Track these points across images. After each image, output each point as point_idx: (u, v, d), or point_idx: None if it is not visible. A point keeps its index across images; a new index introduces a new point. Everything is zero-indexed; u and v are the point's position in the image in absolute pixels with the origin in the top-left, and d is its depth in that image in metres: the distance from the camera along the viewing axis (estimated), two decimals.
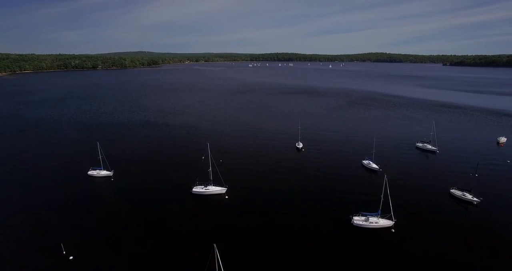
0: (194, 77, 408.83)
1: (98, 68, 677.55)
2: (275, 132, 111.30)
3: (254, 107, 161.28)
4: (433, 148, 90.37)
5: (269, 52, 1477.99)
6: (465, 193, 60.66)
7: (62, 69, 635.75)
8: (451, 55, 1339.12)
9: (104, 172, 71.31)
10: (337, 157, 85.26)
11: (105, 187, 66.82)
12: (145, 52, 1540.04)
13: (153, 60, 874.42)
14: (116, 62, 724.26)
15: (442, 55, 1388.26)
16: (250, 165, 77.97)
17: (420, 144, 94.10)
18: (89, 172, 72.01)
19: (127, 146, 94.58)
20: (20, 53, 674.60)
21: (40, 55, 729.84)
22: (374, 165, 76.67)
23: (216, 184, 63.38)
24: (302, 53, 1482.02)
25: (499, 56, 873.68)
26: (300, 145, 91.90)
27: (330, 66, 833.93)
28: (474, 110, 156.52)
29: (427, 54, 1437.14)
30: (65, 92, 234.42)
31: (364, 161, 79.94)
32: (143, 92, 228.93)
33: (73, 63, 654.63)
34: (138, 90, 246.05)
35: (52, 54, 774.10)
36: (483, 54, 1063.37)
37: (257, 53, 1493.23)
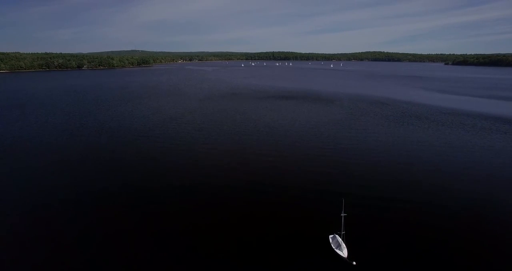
0: (183, 78, 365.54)
1: (83, 68, 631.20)
2: (284, 197, 57.04)
3: (249, 133, 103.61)
4: None
5: (265, 51, 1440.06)
6: None
7: (44, 69, 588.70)
8: (449, 54, 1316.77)
9: None
10: None
11: None
12: (138, 50, 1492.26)
13: (144, 60, 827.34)
14: (103, 62, 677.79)
15: (441, 54, 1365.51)
16: None
17: None
18: None
19: None
20: (4, 51, 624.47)
21: (23, 53, 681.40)
22: None
23: None
24: (299, 52, 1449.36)
25: (504, 55, 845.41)
26: (343, 251, 40.35)
27: (332, 66, 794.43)
28: None
29: (426, 53, 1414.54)
30: (3, 98, 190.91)
31: None
32: (111, 100, 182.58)
33: (56, 63, 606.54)
34: (107, 96, 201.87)
35: (38, 53, 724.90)
36: (481, 53, 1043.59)
37: (253, 52, 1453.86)
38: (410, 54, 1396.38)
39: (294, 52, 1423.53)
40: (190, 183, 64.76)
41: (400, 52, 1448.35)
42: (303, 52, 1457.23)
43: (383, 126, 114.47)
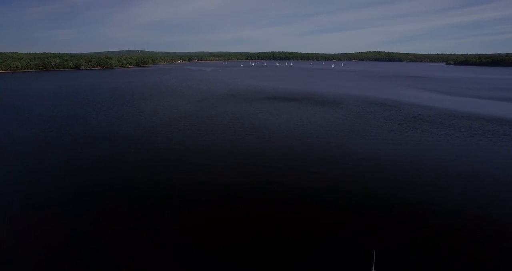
0: (180, 79, 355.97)
1: (81, 68, 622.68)
2: (292, 227, 47.08)
3: (248, 141, 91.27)
4: None
5: (265, 51, 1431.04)
6: None
7: (41, 69, 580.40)
8: (450, 54, 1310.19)
9: None
10: None
11: None
12: (138, 51, 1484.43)
13: (142, 60, 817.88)
14: (101, 62, 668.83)
15: (442, 54, 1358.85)
16: None
17: None
18: None
19: None
20: (2, 51, 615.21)
21: (21, 53, 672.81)
22: None
23: None
24: (299, 52, 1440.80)
25: (507, 54, 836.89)
26: None
27: (333, 66, 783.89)
28: None
29: (426, 53, 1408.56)
30: None
31: None
32: (104, 102, 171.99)
33: (53, 63, 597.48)
34: (101, 97, 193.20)
35: (36, 53, 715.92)
36: (481, 52, 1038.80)
37: (253, 52, 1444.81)
38: (411, 54, 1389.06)
39: (294, 52, 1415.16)
40: (188, 189, 55.68)
41: (401, 52, 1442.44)
42: (304, 52, 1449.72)
43: (396, 133, 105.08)
